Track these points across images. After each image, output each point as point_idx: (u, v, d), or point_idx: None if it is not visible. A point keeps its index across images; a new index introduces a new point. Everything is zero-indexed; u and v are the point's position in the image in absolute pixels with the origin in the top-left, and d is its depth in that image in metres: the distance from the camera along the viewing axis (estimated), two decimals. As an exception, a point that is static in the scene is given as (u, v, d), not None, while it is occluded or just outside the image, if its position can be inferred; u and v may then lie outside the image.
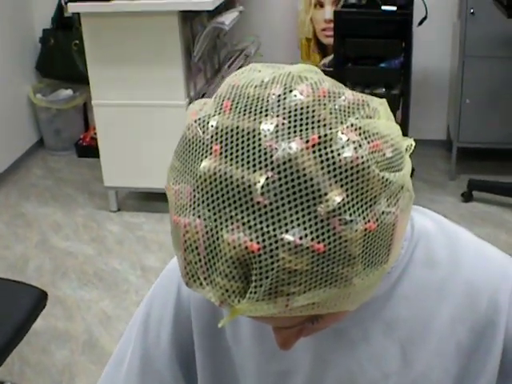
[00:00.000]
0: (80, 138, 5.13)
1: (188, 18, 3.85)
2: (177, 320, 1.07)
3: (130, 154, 4.10)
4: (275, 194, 0.69)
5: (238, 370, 1.04)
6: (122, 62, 3.89)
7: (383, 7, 3.85)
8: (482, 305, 0.93)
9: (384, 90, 4.02)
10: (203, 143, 0.73)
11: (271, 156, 0.69)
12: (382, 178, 0.73)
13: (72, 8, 3.85)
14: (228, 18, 3.86)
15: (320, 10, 4.44)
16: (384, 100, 0.81)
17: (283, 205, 0.69)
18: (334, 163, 0.69)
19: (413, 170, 4.85)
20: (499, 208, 4.12)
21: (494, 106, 4.25)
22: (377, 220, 0.72)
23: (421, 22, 3.98)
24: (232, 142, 0.71)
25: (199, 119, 0.75)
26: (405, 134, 4.09)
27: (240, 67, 4.17)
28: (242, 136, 0.71)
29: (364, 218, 0.71)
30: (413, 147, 0.82)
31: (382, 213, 0.73)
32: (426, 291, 0.94)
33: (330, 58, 4.35)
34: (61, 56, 4.94)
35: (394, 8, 3.82)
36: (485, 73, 4.19)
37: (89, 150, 4.97)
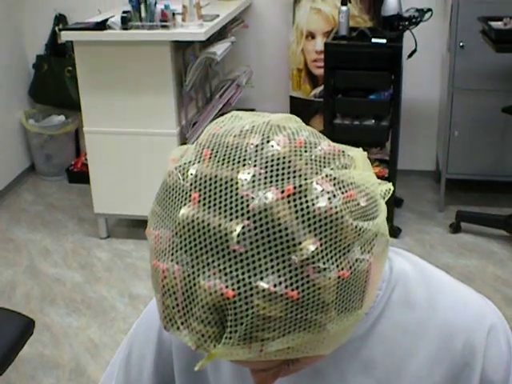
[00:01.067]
0: (71, 164, 5.15)
1: (180, 47, 3.89)
2: (158, 357, 1.08)
3: (121, 181, 4.11)
4: (251, 243, 0.70)
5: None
6: (114, 90, 3.92)
7: (373, 40, 3.89)
8: (458, 347, 0.94)
9: (373, 121, 4.06)
10: (183, 190, 0.75)
11: (247, 205, 0.71)
12: (356, 227, 0.75)
13: (65, 36, 3.89)
14: (220, 49, 3.90)
15: (311, 41, 4.48)
16: (360, 149, 0.83)
17: (258, 253, 0.70)
18: (308, 213, 0.71)
19: (401, 200, 4.88)
20: (487, 239, 4.14)
21: (482, 138, 4.30)
22: (350, 268, 0.74)
23: (410, 55, 4.03)
24: (210, 190, 0.73)
25: (179, 166, 0.77)
26: (394, 165, 4.15)
27: (231, 97, 4.22)
28: (220, 185, 0.73)
29: (338, 266, 0.73)
30: (391, 191, 0.84)
31: (356, 260, 0.75)
32: (404, 332, 0.96)
33: (321, 88, 4.39)
34: (54, 82, 4.97)
35: (384, 41, 3.87)
36: (473, 105, 4.23)
37: (80, 175, 4.98)
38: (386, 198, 0.83)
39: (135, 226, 4.36)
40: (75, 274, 3.96)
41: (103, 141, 4.04)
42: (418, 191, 4.73)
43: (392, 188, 0.85)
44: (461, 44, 4.11)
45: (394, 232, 4.12)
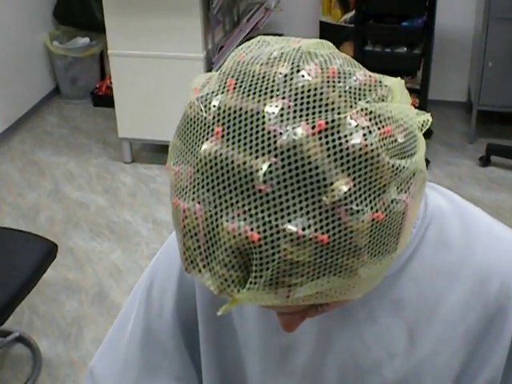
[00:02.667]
0: (96, 87, 5.10)
1: (208, -32, 3.78)
2: (180, 291, 1.05)
3: (146, 105, 4.06)
4: (278, 182, 0.65)
5: (241, 344, 1.03)
6: (139, 11, 3.83)
7: (408, -36, 3.75)
8: (493, 290, 0.90)
9: (405, 49, 3.95)
10: (205, 124, 0.70)
11: (275, 141, 0.65)
12: (393, 165, 0.69)
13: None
14: (249, -30, 3.78)
15: (343, -37, 4.33)
16: (399, 79, 0.77)
17: (286, 193, 0.65)
18: (341, 150, 0.66)
19: (431, 131, 4.78)
20: (517, 174, 4.07)
21: (517, 69, 4.17)
22: (385, 209, 0.69)
23: (446, -20, 3.89)
24: (235, 124, 0.67)
25: (201, 97, 0.72)
26: (425, 94, 4.05)
27: (259, 21, 4.12)
28: (246, 118, 0.67)
29: (372, 208, 0.68)
30: (429, 123, 0.78)
31: (392, 201, 0.70)
32: (437, 273, 0.91)
33: (352, 13, 4.26)
34: (79, 3, 4.89)
35: (420, -35, 3.73)
36: (509, 35, 4.09)
37: (105, 99, 4.93)
38: (424, 130, 0.77)
39: (160, 151, 4.33)
40: (99, 198, 3.96)
41: (128, 64, 3.98)
42: (448, 122, 4.62)
43: (430, 119, 0.78)
44: (499, -30, 3.95)
45: (423, 163, 4.05)
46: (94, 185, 4.09)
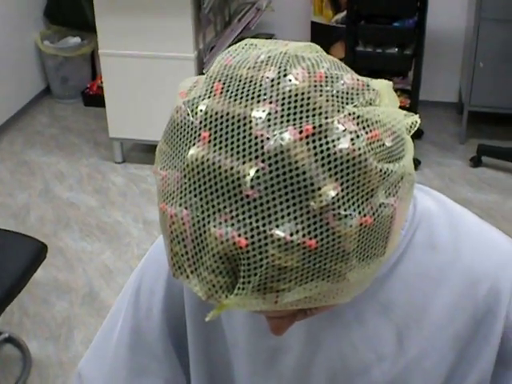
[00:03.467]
0: (87, 87, 5.08)
1: (199, -32, 3.77)
2: (169, 294, 1.04)
3: (136, 105, 4.05)
4: (266, 187, 0.65)
5: (229, 345, 1.02)
6: (130, 11, 3.82)
7: (400, -36, 3.75)
8: (482, 293, 0.89)
9: (396, 49, 3.95)
10: (191, 129, 0.69)
11: (262, 146, 0.65)
12: (381, 170, 0.69)
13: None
14: (240, -30, 3.77)
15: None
16: (387, 82, 0.76)
17: (274, 199, 0.65)
18: (328, 155, 0.65)
19: (422, 131, 4.79)
20: (508, 174, 4.07)
21: (508, 70, 4.17)
22: (373, 214, 0.69)
23: (437, -19, 3.89)
24: (222, 129, 0.67)
25: (188, 101, 0.71)
26: (416, 95, 4.05)
27: (251, 21, 4.11)
28: (233, 123, 0.66)
29: (360, 213, 0.67)
30: (417, 124, 0.78)
31: (380, 205, 0.70)
32: (425, 275, 0.91)
33: (343, 14, 4.26)
34: (70, 3, 4.87)
35: (411, -35, 3.73)
36: (500, 36, 4.09)
37: (95, 99, 4.91)
38: (412, 132, 0.77)
39: (150, 151, 4.32)
40: (90, 198, 3.95)
41: (119, 63, 3.96)
42: (439, 123, 4.63)
43: (418, 121, 0.78)
44: (490, -29, 3.96)
45: (414, 164, 4.04)
46: (85, 185, 4.07)
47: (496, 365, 0.92)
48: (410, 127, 0.77)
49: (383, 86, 0.75)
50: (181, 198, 0.69)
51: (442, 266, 0.91)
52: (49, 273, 3.31)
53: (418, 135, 4.38)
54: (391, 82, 0.77)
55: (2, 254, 2.61)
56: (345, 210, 0.66)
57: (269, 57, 0.70)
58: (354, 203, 0.67)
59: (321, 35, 4.42)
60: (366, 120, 0.69)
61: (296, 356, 0.97)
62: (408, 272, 0.91)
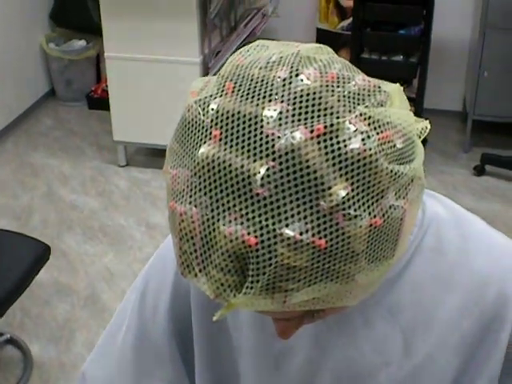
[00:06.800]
0: (91, 90, 5.09)
1: (206, -28, 3.78)
2: (175, 295, 1.04)
3: (141, 108, 4.05)
4: (276, 186, 0.65)
5: (235, 348, 1.02)
6: (136, 14, 3.82)
7: (406, -28, 3.76)
8: (490, 297, 0.89)
9: (402, 57, 3.95)
10: (202, 127, 0.69)
11: (273, 145, 0.65)
12: (391, 171, 0.69)
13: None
14: (247, -24, 3.78)
15: (342, -28, 4.33)
16: (398, 85, 0.76)
17: (284, 197, 0.65)
18: (339, 155, 0.65)
19: (426, 140, 4.80)
20: (511, 183, 4.06)
21: (513, 79, 4.17)
22: (383, 215, 0.69)
23: (444, -11, 3.89)
24: (233, 127, 0.67)
25: (200, 100, 0.71)
26: (420, 103, 4.06)
27: (256, 27, 4.12)
28: (244, 122, 0.67)
29: (370, 214, 0.67)
30: (427, 130, 0.78)
31: (390, 207, 0.69)
32: (433, 279, 0.90)
33: (349, 21, 4.26)
34: (76, 6, 4.87)
35: (417, -26, 3.74)
36: (505, 46, 4.09)
37: (100, 102, 4.92)
38: (422, 137, 0.77)
39: (154, 155, 4.32)
40: (93, 201, 3.95)
41: (124, 67, 3.97)
42: (443, 131, 4.63)
43: (428, 126, 0.78)
44: (496, -20, 3.96)
45: (417, 172, 4.04)
46: (88, 188, 4.08)
47: (502, 371, 0.91)
48: (420, 132, 0.77)
49: (394, 89, 0.75)
50: (190, 196, 0.68)
51: (450, 270, 0.91)
52: (51, 275, 3.31)
53: (422, 143, 4.37)
54: (401, 87, 0.77)
55: (5, 254, 2.61)
56: (355, 210, 0.66)
57: (281, 57, 0.71)
58: (364, 204, 0.67)
59: (326, 42, 4.37)
60: (378, 121, 0.69)
61: (302, 360, 0.97)
62: (416, 276, 0.90)
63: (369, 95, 0.70)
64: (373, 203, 0.68)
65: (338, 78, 0.70)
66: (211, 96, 0.70)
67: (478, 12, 4.15)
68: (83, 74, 5.10)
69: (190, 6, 3.73)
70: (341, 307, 0.78)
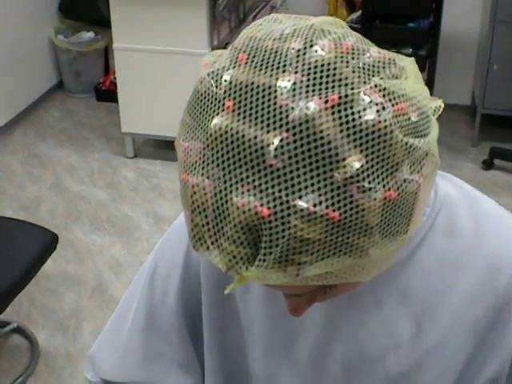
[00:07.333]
0: (100, 82, 5.09)
1: (215, -36, 3.77)
2: (185, 276, 1.03)
3: (149, 100, 4.05)
4: (289, 157, 0.64)
5: (244, 329, 1.01)
6: (145, 5, 3.82)
7: (416, -35, 3.74)
8: (502, 281, 0.88)
9: (411, 50, 3.94)
10: (215, 98, 0.68)
11: (287, 116, 0.64)
12: (406, 143, 0.68)
13: None
14: (256, -33, 3.77)
15: (351, -36, 4.32)
16: (412, 59, 0.75)
17: (298, 169, 0.64)
18: (354, 126, 0.65)
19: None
20: (520, 178, 4.05)
21: (523, 73, 4.15)
22: (398, 188, 0.68)
23: (453, -17, 3.88)
24: (246, 98, 0.66)
25: (212, 72, 0.70)
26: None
27: (265, 19, 4.10)
28: (257, 93, 0.66)
29: (384, 186, 0.66)
30: (441, 109, 0.77)
31: (404, 181, 0.69)
32: (445, 262, 0.89)
33: (358, 14, 4.25)
34: (84, -2, 4.87)
35: (427, -34, 3.72)
36: (515, 39, 4.08)
37: (108, 94, 4.92)
38: (436, 116, 0.76)
39: (162, 147, 4.32)
40: (101, 192, 3.95)
41: (132, 58, 3.97)
42: (451, 125, 4.61)
43: (442, 105, 0.77)
44: (506, -26, 3.94)
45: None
46: (96, 179, 4.07)
47: None
48: (434, 111, 0.76)
49: (409, 62, 0.74)
50: (203, 168, 0.68)
51: (462, 252, 0.89)
52: (58, 265, 3.31)
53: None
54: (414, 61, 0.77)
55: (13, 243, 2.61)
56: (369, 182, 0.65)
57: (294, 29, 0.70)
58: (378, 176, 0.66)
59: (335, 35, 4.40)
60: (392, 92, 0.68)
61: (312, 342, 0.96)
62: (428, 258, 0.90)
63: (383, 67, 0.70)
64: (387, 176, 0.67)
65: (353, 49, 0.69)
66: (224, 68, 0.70)
67: (488, 5, 4.14)
68: (91, 66, 5.10)
69: (199, -3, 3.72)
70: (354, 283, 0.77)
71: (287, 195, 0.64)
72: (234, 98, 0.67)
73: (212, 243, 0.69)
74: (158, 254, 1.07)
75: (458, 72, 4.71)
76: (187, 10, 3.76)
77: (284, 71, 0.66)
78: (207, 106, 0.69)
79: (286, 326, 0.97)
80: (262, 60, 0.68)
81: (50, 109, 4.95)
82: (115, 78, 4.18)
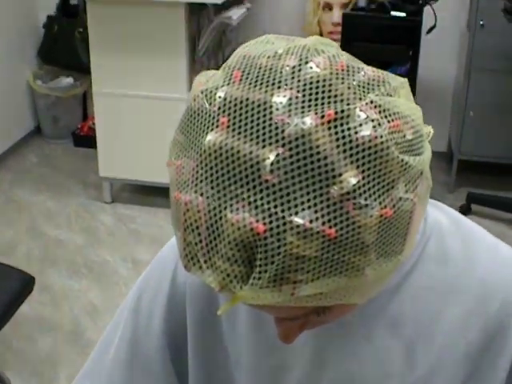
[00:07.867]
0: (78, 128, 5.07)
1: (195, 10, 3.80)
2: (170, 305, 1.01)
3: (128, 145, 4.04)
4: (285, 172, 0.63)
5: (232, 362, 1.00)
6: (125, 51, 3.84)
7: (393, 13, 3.80)
8: (494, 306, 0.88)
9: (388, 96, 3.98)
10: (209, 115, 0.68)
11: (283, 131, 0.64)
12: (402, 160, 0.68)
13: (78, -6, 3.80)
14: (235, 14, 3.82)
15: (328, 12, 4.37)
16: (406, 79, 0.76)
17: (293, 184, 0.63)
18: (350, 141, 0.64)
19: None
20: (497, 223, 4.07)
21: (498, 119, 4.21)
22: (394, 206, 0.68)
23: (429, 31, 3.93)
24: (241, 114, 0.66)
25: (206, 90, 0.70)
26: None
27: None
28: (252, 109, 0.65)
29: (380, 203, 0.66)
30: (431, 135, 0.77)
31: (400, 199, 0.68)
32: (436, 289, 0.89)
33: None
34: (63, 44, 4.88)
35: (404, 14, 3.78)
36: (490, 86, 4.14)
37: (86, 139, 4.90)
38: (428, 139, 0.76)
39: (140, 192, 4.30)
40: (78, 236, 3.91)
41: (111, 103, 3.97)
42: (428, 171, 4.64)
43: (432, 131, 0.78)
44: (481, 23, 4.01)
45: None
46: (73, 224, 4.04)
47: (506, 382, 0.90)
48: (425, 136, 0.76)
49: (402, 83, 0.75)
50: (196, 184, 0.67)
51: (453, 279, 0.89)
52: (34, 309, 3.25)
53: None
54: (407, 82, 0.77)
55: (-12, 286, 2.56)
56: (365, 199, 0.65)
57: (289, 48, 0.70)
58: (374, 193, 0.66)
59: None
60: (388, 109, 0.68)
61: (301, 374, 0.94)
62: (418, 285, 0.89)
63: (378, 85, 0.70)
64: (383, 193, 0.66)
65: (348, 67, 0.69)
66: (218, 85, 0.70)
67: (464, 52, 4.21)
68: (70, 112, 5.09)
69: (178, 43, 3.75)
70: (347, 306, 0.76)
71: (283, 211, 0.63)
72: (229, 114, 0.66)
73: (205, 262, 0.68)
74: (143, 282, 1.07)
75: (434, 119, 4.75)
76: (166, 55, 3.79)
77: (279, 87, 0.66)
78: (201, 122, 0.69)
79: (274, 358, 0.95)
80: (257, 77, 0.68)
81: (28, 154, 4.92)
82: (93, 123, 4.18)
